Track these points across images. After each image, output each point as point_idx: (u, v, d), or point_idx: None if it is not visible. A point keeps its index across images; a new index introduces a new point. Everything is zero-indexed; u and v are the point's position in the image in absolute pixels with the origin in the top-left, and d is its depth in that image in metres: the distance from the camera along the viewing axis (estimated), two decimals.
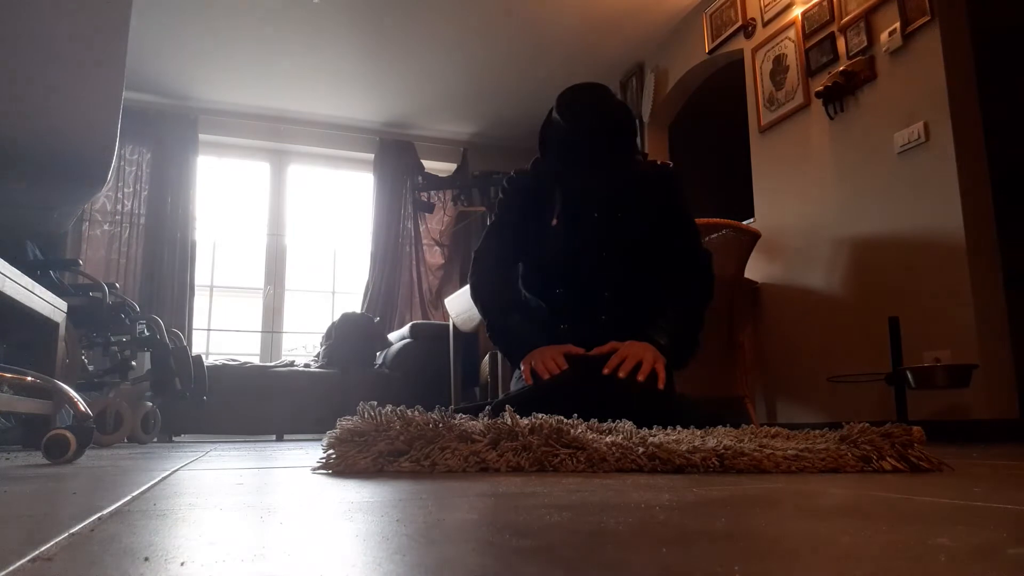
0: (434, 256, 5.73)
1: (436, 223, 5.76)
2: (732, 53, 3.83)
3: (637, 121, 4.50)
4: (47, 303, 1.78)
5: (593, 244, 1.83)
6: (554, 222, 1.85)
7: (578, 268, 1.84)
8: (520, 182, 1.95)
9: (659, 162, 1.97)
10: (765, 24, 3.57)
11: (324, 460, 1.07)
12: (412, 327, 4.32)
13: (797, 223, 3.31)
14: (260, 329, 5.37)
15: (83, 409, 1.55)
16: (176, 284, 4.90)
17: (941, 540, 0.46)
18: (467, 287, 2.20)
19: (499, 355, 2.89)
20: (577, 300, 1.84)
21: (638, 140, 4.46)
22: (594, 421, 1.27)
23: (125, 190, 4.97)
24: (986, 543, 0.46)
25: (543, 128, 1.87)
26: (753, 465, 1.03)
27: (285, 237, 5.53)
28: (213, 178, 5.41)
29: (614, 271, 1.83)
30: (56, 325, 1.87)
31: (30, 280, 1.63)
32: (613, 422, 1.29)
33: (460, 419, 1.15)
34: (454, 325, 3.81)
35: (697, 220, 2.02)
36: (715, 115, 4.55)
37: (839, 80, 3.02)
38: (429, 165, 5.73)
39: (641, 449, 1.07)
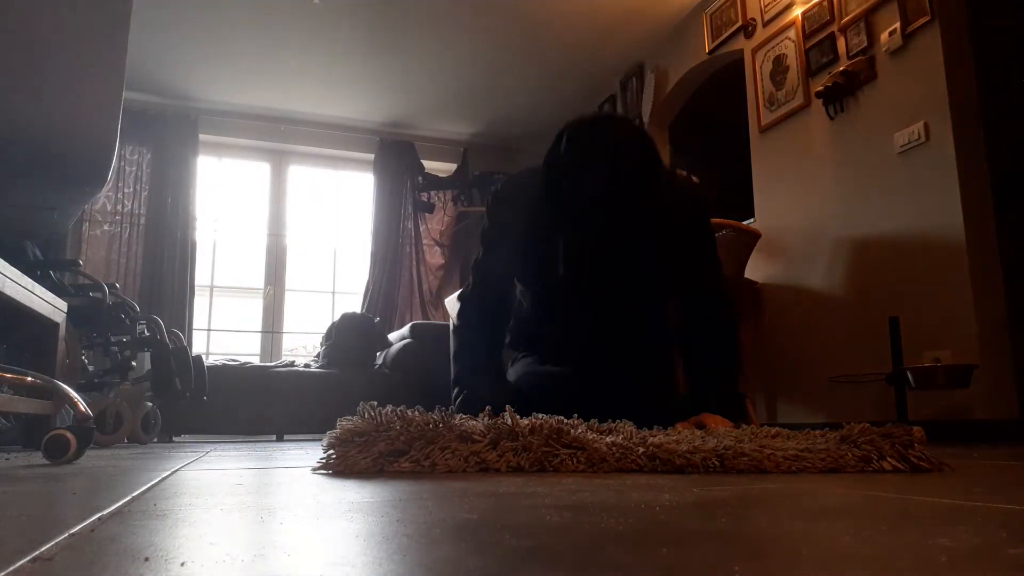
0: (434, 256, 5.73)
1: (436, 223, 5.76)
2: (732, 53, 3.83)
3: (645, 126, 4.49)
4: (47, 303, 1.78)
5: (599, 286, 1.73)
6: (554, 239, 1.75)
7: (581, 309, 1.77)
8: (505, 206, 1.82)
9: (686, 176, 1.88)
10: (765, 24, 3.57)
11: (324, 460, 1.07)
12: (412, 327, 4.32)
13: (797, 223, 3.31)
14: (260, 329, 5.37)
15: (83, 409, 1.54)
16: (176, 284, 4.90)
17: (941, 540, 0.46)
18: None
19: None
20: (579, 337, 1.80)
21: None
22: (594, 421, 1.27)
23: (125, 190, 4.97)
24: (986, 543, 0.46)
25: (548, 156, 1.67)
26: (753, 465, 1.03)
27: (285, 237, 5.53)
28: (213, 178, 5.40)
29: (621, 309, 1.77)
30: (56, 325, 1.87)
31: (30, 280, 1.63)
32: (613, 422, 1.29)
33: (460, 419, 1.15)
34: (454, 325, 3.80)
35: None
36: (715, 115, 4.54)
37: (839, 80, 3.02)
38: (429, 165, 5.73)
39: (641, 449, 1.07)
